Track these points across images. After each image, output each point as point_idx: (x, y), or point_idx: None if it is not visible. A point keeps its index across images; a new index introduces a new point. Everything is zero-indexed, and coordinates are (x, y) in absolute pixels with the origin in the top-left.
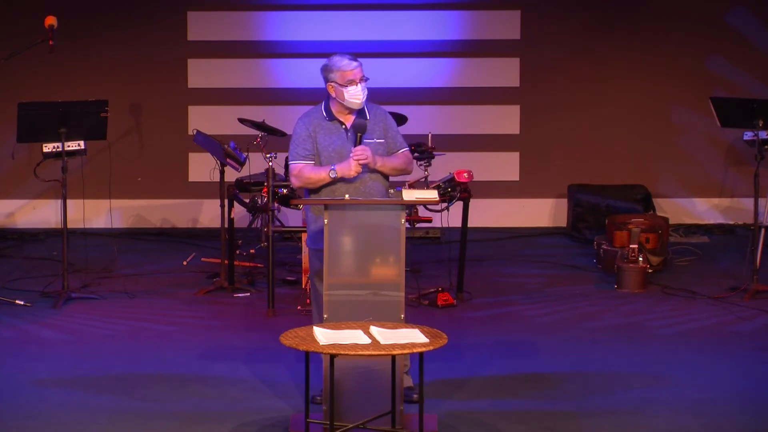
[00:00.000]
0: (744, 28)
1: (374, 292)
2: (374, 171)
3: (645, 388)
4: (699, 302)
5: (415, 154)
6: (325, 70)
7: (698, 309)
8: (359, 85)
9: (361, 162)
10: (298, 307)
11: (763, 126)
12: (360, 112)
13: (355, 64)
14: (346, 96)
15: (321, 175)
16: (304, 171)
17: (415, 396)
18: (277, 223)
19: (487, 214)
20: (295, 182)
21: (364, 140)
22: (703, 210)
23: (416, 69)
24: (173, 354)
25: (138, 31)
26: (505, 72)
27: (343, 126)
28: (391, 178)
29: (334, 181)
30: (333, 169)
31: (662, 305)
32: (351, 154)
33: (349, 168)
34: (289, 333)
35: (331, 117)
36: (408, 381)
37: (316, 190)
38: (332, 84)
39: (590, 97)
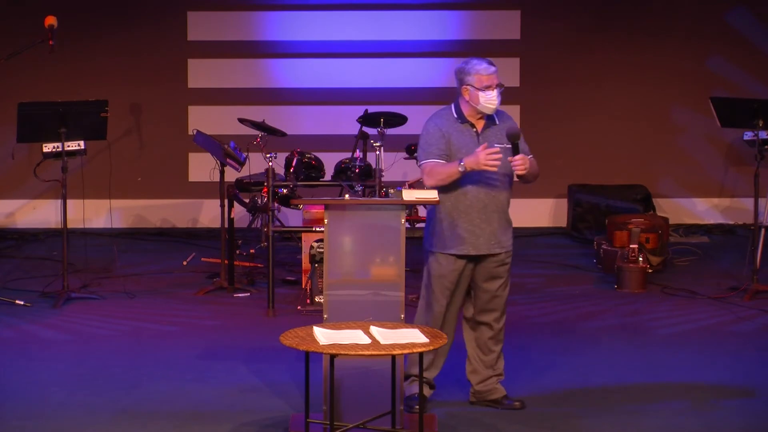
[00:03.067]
0: (744, 28)
1: (374, 292)
2: (507, 182)
3: (645, 388)
4: (699, 302)
5: (415, 155)
6: (461, 73)
7: (698, 309)
8: (495, 90)
9: (519, 172)
10: (298, 307)
11: (763, 126)
12: (490, 117)
13: (493, 69)
14: (481, 100)
15: (450, 170)
16: (435, 167)
17: (517, 403)
18: (277, 223)
19: None
20: (427, 181)
21: (495, 145)
22: (703, 210)
23: (416, 69)
24: (173, 354)
25: (138, 31)
26: (505, 72)
27: (474, 129)
28: (391, 179)
29: (464, 187)
30: (461, 163)
31: (662, 305)
32: (512, 164)
33: (477, 162)
34: (289, 333)
35: (463, 120)
36: (501, 390)
37: (448, 193)
38: (468, 87)
39: (590, 97)
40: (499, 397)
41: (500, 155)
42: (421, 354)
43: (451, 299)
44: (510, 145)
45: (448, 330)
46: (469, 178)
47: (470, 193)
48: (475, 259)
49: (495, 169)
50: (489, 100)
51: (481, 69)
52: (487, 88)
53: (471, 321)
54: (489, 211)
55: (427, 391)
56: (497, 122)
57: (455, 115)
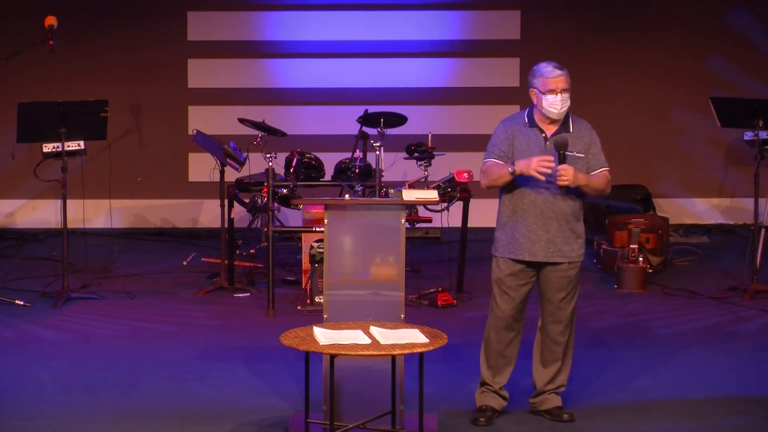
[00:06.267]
0: (744, 28)
1: (374, 292)
2: (571, 190)
3: (645, 388)
4: (699, 302)
5: (415, 155)
6: (530, 75)
7: (698, 309)
8: (559, 95)
9: (562, 183)
10: (298, 307)
11: (763, 126)
12: (564, 124)
13: (558, 72)
14: (544, 104)
15: (501, 171)
16: (491, 167)
17: (565, 416)
18: (277, 223)
19: (487, 214)
20: (482, 180)
21: (566, 152)
22: (703, 210)
23: (416, 69)
24: (173, 354)
25: (138, 31)
26: (505, 72)
27: (543, 134)
28: (391, 179)
29: (522, 191)
30: (512, 165)
31: (662, 305)
32: (555, 172)
33: (528, 166)
34: (289, 333)
35: (531, 124)
36: (555, 401)
37: (509, 197)
38: (534, 90)
39: (590, 97)
40: (550, 408)
41: (552, 164)
42: (421, 354)
43: (513, 305)
44: (582, 154)
45: (509, 336)
46: (528, 182)
47: (528, 197)
48: (536, 267)
49: (543, 178)
50: (551, 104)
51: (546, 72)
52: (551, 92)
53: (540, 331)
54: (546, 218)
55: (498, 403)
56: (571, 129)
57: (525, 119)
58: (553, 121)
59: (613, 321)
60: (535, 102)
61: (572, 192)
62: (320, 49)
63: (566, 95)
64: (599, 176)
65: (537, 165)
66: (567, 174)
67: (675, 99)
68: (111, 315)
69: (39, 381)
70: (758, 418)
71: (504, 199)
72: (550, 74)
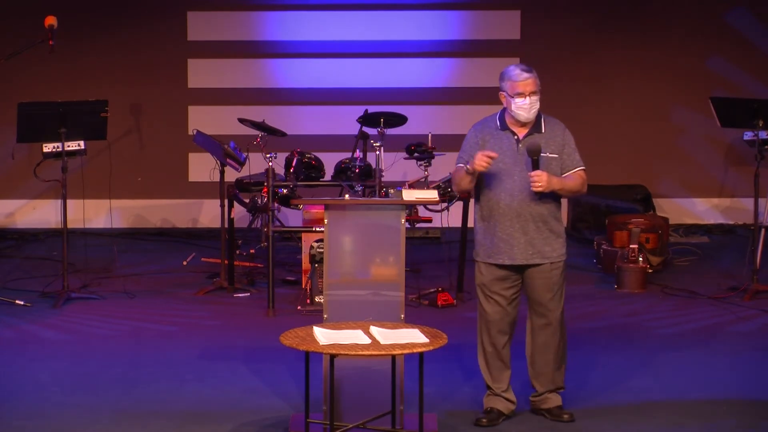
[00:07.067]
0: (744, 28)
1: (374, 292)
2: (546, 194)
3: (645, 388)
4: (699, 302)
5: (415, 155)
6: (499, 79)
7: (698, 309)
8: (528, 98)
9: (536, 189)
10: (298, 307)
11: (763, 126)
12: (536, 126)
13: (525, 75)
14: (513, 107)
15: (461, 171)
16: (455, 172)
17: (565, 416)
18: (277, 223)
19: None
20: (453, 186)
21: (541, 154)
22: (703, 210)
23: (416, 69)
24: (173, 354)
25: (138, 31)
26: None
27: (515, 137)
28: (391, 179)
29: (497, 194)
30: (467, 165)
31: (662, 305)
32: (530, 179)
33: (473, 162)
34: (289, 333)
35: (503, 127)
36: (555, 401)
37: (484, 201)
38: (503, 93)
39: (590, 97)
40: (551, 407)
41: (491, 158)
42: (421, 354)
43: (500, 308)
44: (555, 155)
45: (502, 340)
46: (501, 185)
47: (503, 201)
48: (518, 270)
49: (482, 168)
50: (520, 107)
51: (513, 75)
52: (519, 95)
53: (531, 334)
54: (523, 220)
55: (505, 406)
56: (543, 130)
57: (497, 122)
58: (524, 124)
59: (613, 321)
60: (504, 104)
61: (547, 193)
62: (320, 49)
63: (535, 98)
64: (573, 177)
65: (478, 159)
66: (540, 180)
67: (675, 99)
68: (111, 315)
69: (39, 381)
70: (758, 418)
71: (480, 203)
72: (518, 77)
